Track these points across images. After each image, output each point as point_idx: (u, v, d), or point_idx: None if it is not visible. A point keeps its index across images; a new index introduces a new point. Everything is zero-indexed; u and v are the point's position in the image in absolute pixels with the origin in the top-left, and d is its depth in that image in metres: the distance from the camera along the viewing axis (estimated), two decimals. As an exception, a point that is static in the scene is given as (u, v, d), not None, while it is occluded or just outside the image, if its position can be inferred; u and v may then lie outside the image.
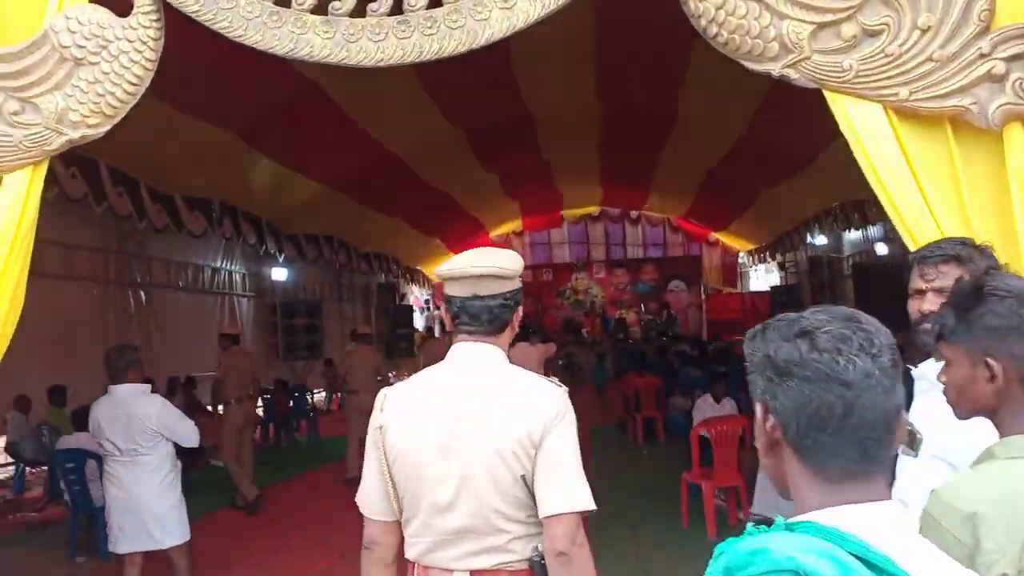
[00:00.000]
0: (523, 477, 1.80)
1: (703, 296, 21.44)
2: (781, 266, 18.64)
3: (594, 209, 22.02)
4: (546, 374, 7.89)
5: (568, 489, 1.81)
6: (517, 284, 2.02)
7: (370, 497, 1.93)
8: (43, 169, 2.16)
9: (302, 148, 10.08)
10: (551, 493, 1.79)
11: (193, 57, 7.35)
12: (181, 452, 7.03)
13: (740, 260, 22.28)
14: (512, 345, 6.30)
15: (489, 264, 1.96)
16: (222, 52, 7.16)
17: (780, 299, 17.56)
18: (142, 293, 9.59)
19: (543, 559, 1.77)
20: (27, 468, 8.03)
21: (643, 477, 7.25)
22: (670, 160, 13.92)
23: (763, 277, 21.06)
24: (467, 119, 11.07)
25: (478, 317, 1.95)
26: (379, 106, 9.77)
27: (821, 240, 14.75)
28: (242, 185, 10.17)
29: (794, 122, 10.80)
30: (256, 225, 10.95)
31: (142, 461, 3.89)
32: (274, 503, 7.17)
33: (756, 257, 20.25)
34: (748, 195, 15.13)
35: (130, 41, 2.00)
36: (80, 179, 7.54)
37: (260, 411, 10.93)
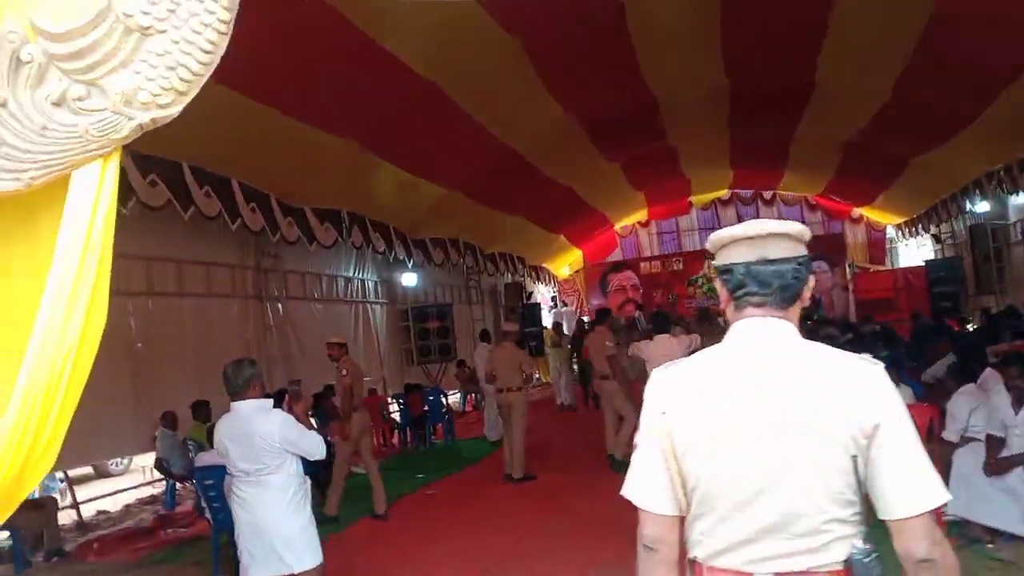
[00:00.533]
0: (854, 470, 1.54)
1: (848, 276, 20.03)
2: (936, 238, 17.11)
3: (724, 192, 21.09)
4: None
5: (921, 483, 1.55)
6: (806, 251, 1.70)
7: (650, 490, 1.68)
8: (115, 162, 1.95)
9: (422, 151, 10.05)
10: (901, 490, 1.54)
11: (308, 66, 7.49)
12: (315, 463, 7.26)
13: (888, 236, 20.70)
14: (650, 338, 5.75)
15: (778, 225, 1.67)
16: (337, 60, 7.29)
17: (937, 274, 16.17)
18: (279, 306, 9.82)
19: (867, 556, 1.52)
20: (177, 484, 8.28)
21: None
22: (806, 134, 13.03)
23: (915, 252, 19.44)
24: (584, 105, 10.73)
25: (768, 284, 1.65)
26: (496, 101, 9.61)
27: (983, 207, 13.36)
28: (367, 193, 10.26)
29: (946, 82, 9.84)
30: (384, 232, 11.04)
31: (267, 481, 3.68)
32: (415, 512, 7.08)
33: (907, 230, 18.68)
34: (895, 165, 13.93)
35: (200, 1, 1.75)
36: (214, 198, 7.77)
37: (396, 415, 11.03)
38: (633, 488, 1.70)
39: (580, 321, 14.86)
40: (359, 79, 7.84)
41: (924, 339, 11.23)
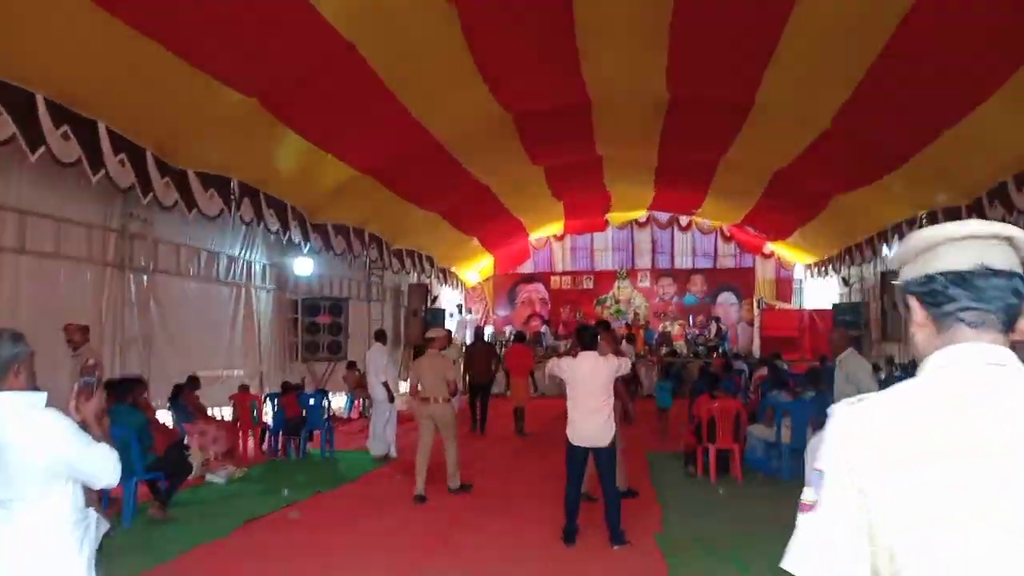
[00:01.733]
0: None
1: (756, 311, 19.99)
2: (845, 281, 17.14)
3: (641, 214, 20.72)
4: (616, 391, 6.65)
5: None
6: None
7: (833, 563, 1.20)
8: None
9: (333, 123, 8.97)
10: None
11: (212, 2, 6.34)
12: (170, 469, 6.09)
13: (796, 276, 20.83)
14: (574, 355, 4.69)
15: (1002, 227, 1.23)
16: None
17: (843, 317, 16.15)
18: (144, 279, 8.45)
19: None
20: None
21: (723, 528, 5.87)
22: (736, 157, 12.64)
23: (821, 293, 19.56)
24: (516, 95, 9.90)
25: (990, 300, 1.22)
26: (421, 78, 8.67)
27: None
28: (264, 162, 9.08)
29: (889, 116, 9.56)
30: (280, 210, 9.84)
31: (22, 518, 2.24)
32: (268, 540, 5.69)
33: (817, 270, 18.79)
34: (818, 200, 13.79)
35: None
36: (73, 141, 6.46)
37: (268, 418, 9.75)
38: (803, 559, 1.22)
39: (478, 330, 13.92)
40: (269, 26, 6.74)
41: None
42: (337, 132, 9.25)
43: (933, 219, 11.14)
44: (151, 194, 7.44)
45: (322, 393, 9.75)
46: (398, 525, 6.17)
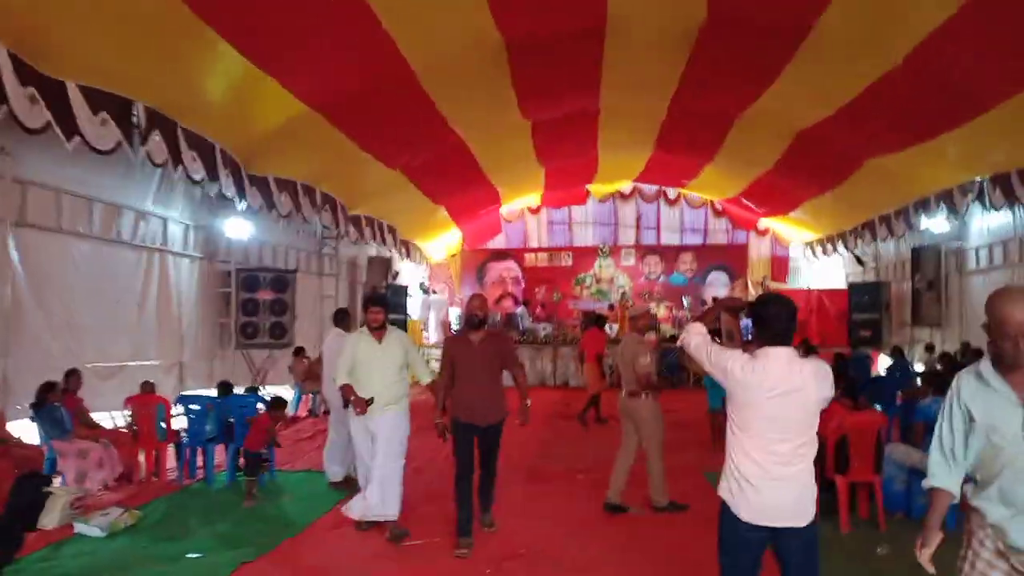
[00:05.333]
0: None
1: (753, 292, 18.22)
2: (858, 260, 15.40)
3: (626, 184, 18.71)
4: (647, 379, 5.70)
5: None
6: None
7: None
8: None
9: (278, 32, 6.67)
10: None
11: None
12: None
13: (791, 254, 19.11)
14: (749, 352, 3.02)
15: None
16: None
17: (860, 298, 14.43)
18: (10, 238, 6.05)
19: None
20: None
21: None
22: (762, 110, 10.69)
23: (822, 273, 17.86)
24: (522, 17, 7.73)
25: None
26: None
27: (940, 225, 11.47)
28: (183, 81, 6.73)
29: (979, 54, 7.70)
30: (206, 152, 7.49)
31: None
32: None
33: (818, 249, 17.04)
34: (846, 165, 11.91)
35: None
36: None
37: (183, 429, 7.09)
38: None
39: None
40: None
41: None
42: (285, 47, 6.95)
43: (1004, 184, 9.34)
44: (4, 108, 5.07)
45: (255, 395, 7.36)
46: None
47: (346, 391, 5.20)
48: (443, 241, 18.96)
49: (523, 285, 19.32)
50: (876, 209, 13.10)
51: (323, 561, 4.80)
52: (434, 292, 19.04)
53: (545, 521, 5.57)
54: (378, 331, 5.26)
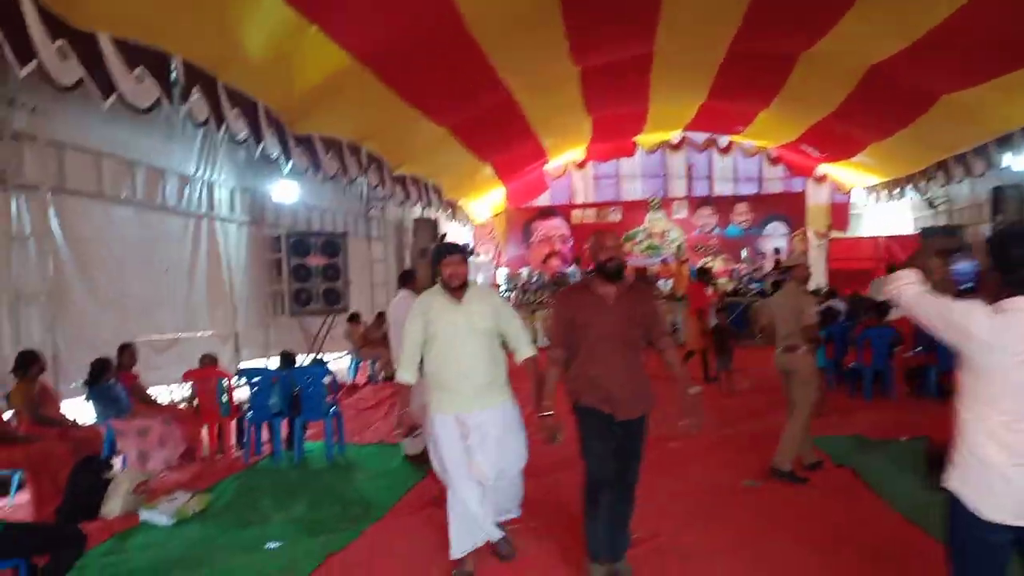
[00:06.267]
0: None
1: (816, 241, 17.46)
2: (929, 203, 14.52)
3: (675, 134, 17.91)
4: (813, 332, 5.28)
5: None
6: None
7: None
8: None
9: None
10: None
11: None
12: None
13: (852, 200, 18.21)
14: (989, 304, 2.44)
15: None
16: None
17: (936, 245, 13.56)
18: (44, 203, 5.68)
19: None
20: None
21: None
22: (828, 48, 9.97)
23: (886, 219, 16.98)
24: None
25: None
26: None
27: (1024, 163, 10.63)
28: (222, 32, 6.25)
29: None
30: (249, 111, 7.05)
31: None
32: None
33: (883, 194, 16.14)
34: (921, 101, 11.07)
35: None
36: None
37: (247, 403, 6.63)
38: None
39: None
40: None
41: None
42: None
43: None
44: (34, 63, 4.66)
45: (321, 366, 6.90)
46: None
47: (404, 395, 3.89)
48: (487, 201, 18.43)
49: (571, 243, 18.76)
50: (950, 148, 12.26)
51: (415, 548, 4.26)
52: (479, 254, 18.58)
53: (652, 500, 4.56)
54: (458, 291, 3.82)
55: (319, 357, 7.93)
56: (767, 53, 10.91)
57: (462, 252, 3.93)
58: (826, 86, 11.71)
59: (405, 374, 3.81)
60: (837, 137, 14.55)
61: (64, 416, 5.16)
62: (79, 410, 5.55)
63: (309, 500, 5.10)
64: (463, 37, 8.30)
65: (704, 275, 11.37)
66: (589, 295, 3.64)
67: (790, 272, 5.79)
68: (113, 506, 4.49)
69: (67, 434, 4.81)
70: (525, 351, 3.91)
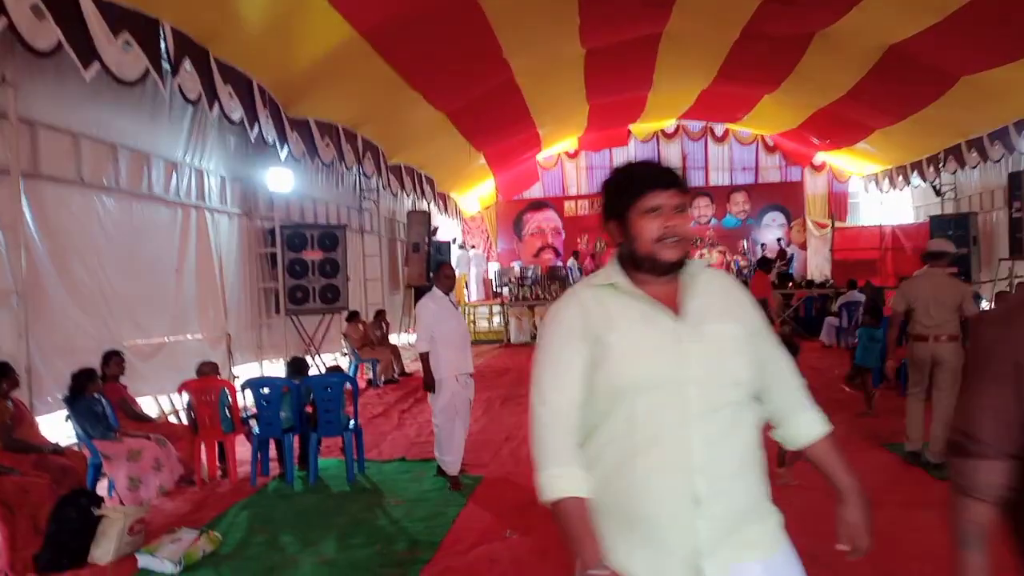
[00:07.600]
0: None
1: (816, 232, 17.04)
2: (936, 191, 14.12)
3: (670, 123, 17.39)
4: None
5: None
6: None
7: None
8: None
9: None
10: None
11: None
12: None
13: (850, 189, 17.83)
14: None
15: None
16: None
17: (944, 233, 13.13)
18: (21, 192, 4.90)
19: None
20: None
21: None
22: (849, 26, 9.44)
23: (887, 208, 16.61)
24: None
25: None
26: None
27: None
28: (215, 4, 5.50)
29: None
30: (242, 88, 6.32)
31: None
32: None
33: (885, 182, 15.73)
34: (936, 84, 10.62)
35: None
36: None
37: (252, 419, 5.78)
38: None
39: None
40: None
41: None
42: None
43: None
44: (3, 21, 3.94)
45: (340, 374, 6.08)
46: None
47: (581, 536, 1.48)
48: (476, 193, 17.76)
49: (563, 236, 18.16)
50: (964, 133, 11.85)
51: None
52: (472, 247, 17.92)
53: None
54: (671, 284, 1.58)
55: (337, 366, 7.19)
56: (783, 32, 10.39)
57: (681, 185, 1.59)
58: (840, 67, 11.22)
59: (563, 480, 1.53)
60: (842, 123, 14.11)
61: (44, 439, 4.39)
62: (59, 430, 4.79)
63: (337, 534, 4.25)
64: (473, 9, 7.66)
65: (765, 264, 10.76)
66: None
67: (937, 259, 5.26)
68: (105, 550, 3.69)
69: (47, 462, 4.05)
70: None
